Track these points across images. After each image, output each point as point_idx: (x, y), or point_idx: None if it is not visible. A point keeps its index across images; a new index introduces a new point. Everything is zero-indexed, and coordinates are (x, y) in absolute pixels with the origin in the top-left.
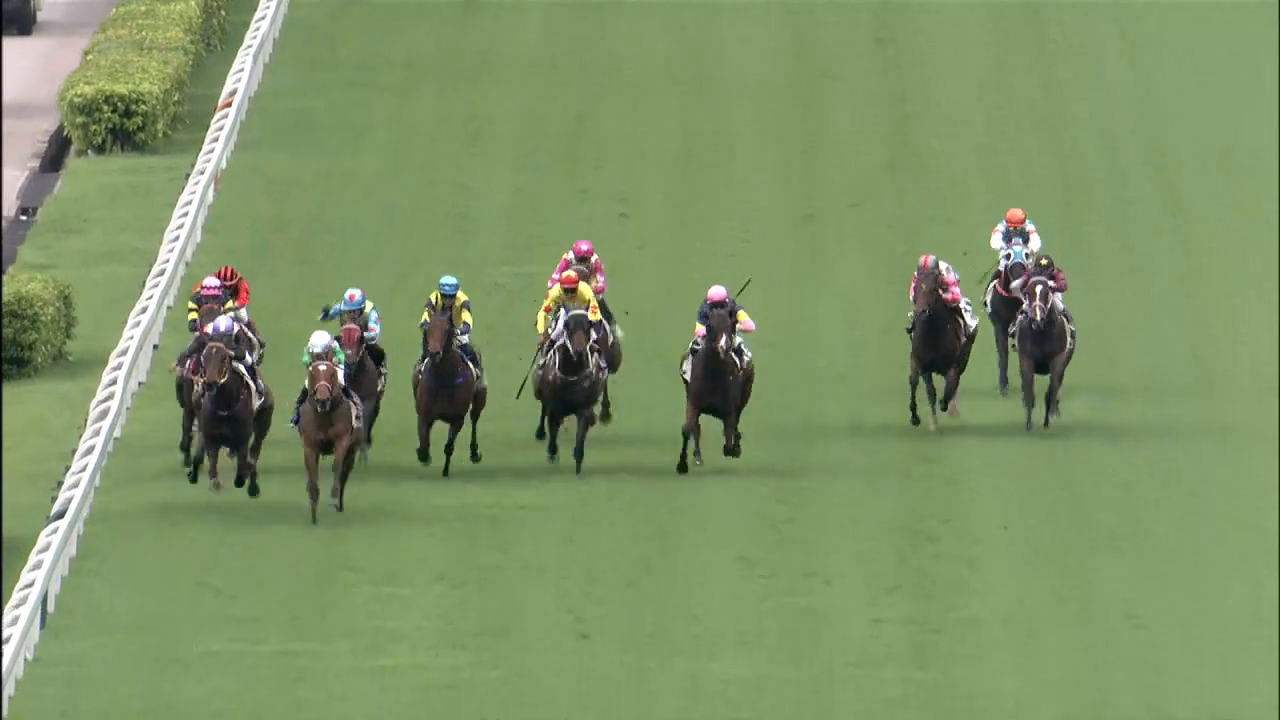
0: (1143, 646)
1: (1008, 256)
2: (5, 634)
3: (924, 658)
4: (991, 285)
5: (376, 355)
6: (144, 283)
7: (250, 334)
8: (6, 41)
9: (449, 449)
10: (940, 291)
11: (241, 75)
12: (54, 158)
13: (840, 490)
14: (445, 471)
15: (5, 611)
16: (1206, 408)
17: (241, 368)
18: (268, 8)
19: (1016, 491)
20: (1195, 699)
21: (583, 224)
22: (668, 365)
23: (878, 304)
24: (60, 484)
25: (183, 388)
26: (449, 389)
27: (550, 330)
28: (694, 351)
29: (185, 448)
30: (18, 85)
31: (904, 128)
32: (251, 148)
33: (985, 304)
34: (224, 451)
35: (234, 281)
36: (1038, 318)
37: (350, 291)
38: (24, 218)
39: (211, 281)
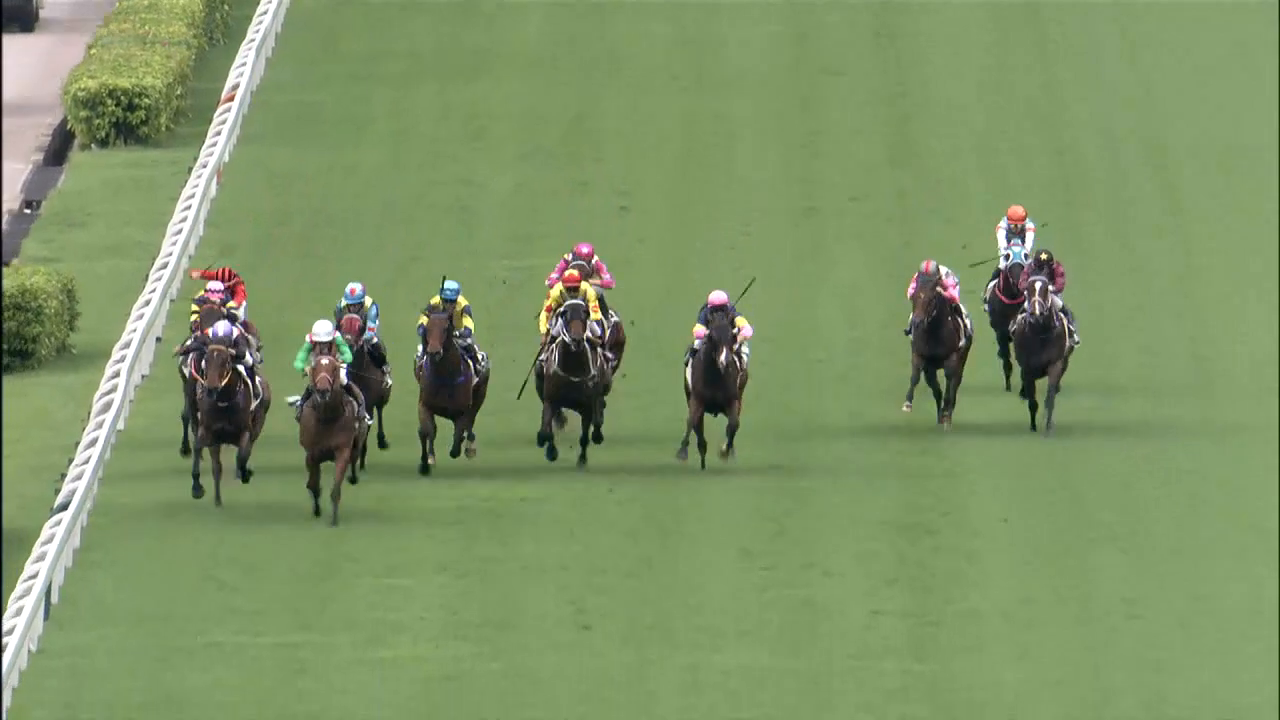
0: (1141, 639)
1: (1007, 257)
2: (8, 625)
3: (923, 650)
4: (991, 287)
5: (378, 359)
6: (147, 276)
7: (249, 336)
8: (9, 39)
9: (455, 452)
10: (940, 291)
11: (244, 69)
12: (58, 151)
13: (840, 484)
14: (453, 453)
15: (9, 603)
16: (1206, 407)
17: (241, 367)
18: (270, 2)
19: (1015, 486)
20: (1194, 692)
21: (583, 218)
22: (668, 361)
23: (877, 298)
24: (64, 476)
25: (186, 388)
26: (449, 387)
27: (553, 329)
28: (693, 353)
29: (187, 450)
30: (21, 82)
31: (903, 123)
32: (254, 141)
33: (984, 301)
34: (225, 456)
35: (232, 282)
36: (1037, 312)
37: (351, 285)
38: (28, 211)
39: (215, 285)
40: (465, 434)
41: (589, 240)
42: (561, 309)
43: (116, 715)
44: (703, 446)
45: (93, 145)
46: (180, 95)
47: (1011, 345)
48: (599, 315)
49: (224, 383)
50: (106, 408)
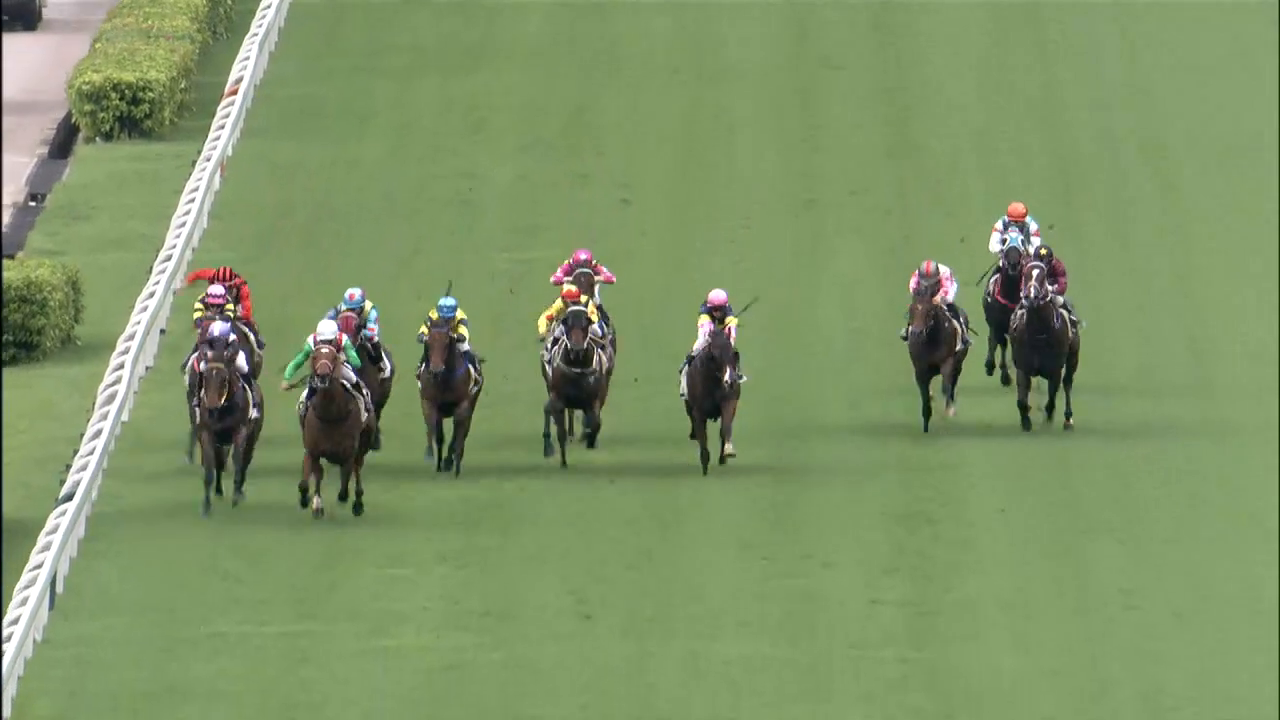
0: (1138, 629)
1: (1003, 241)
2: (14, 615)
3: (921, 639)
4: (991, 285)
5: (376, 356)
6: (151, 268)
7: (252, 336)
8: (13, 38)
9: (453, 446)
10: (934, 299)
11: (247, 63)
12: (62, 145)
13: (838, 475)
14: (453, 449)
15: (15, 593)
16: (1204, 404)
17: (243, 364)
18: None
19: (1013, 477)
20: (1190, 682)
21: (584, 211)
22: (668, 354)
23: (877, 291)
24: (68, 467)
25: (192, 390)
26: (448, 380)
27: (555, 332)
28: (689, 361)
29: (192, 454)
30: (25, 80)
31: (903, 117)
32: (257, 135)
33: (986, 296)
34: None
35: (234, 282)
36: (1031, 295)
37: (350, 290)
38: (33, 204)
39: (217, 290)
40: (456, 450)
41: (590, 233)
42: (565, 316)
43: (121, 705)
44: (705, 456)
45: (97, 139)
46: (184, 89)
47: (1010, 345)
48: (596, 317)
49: (223, 401)
50: (111, 399)
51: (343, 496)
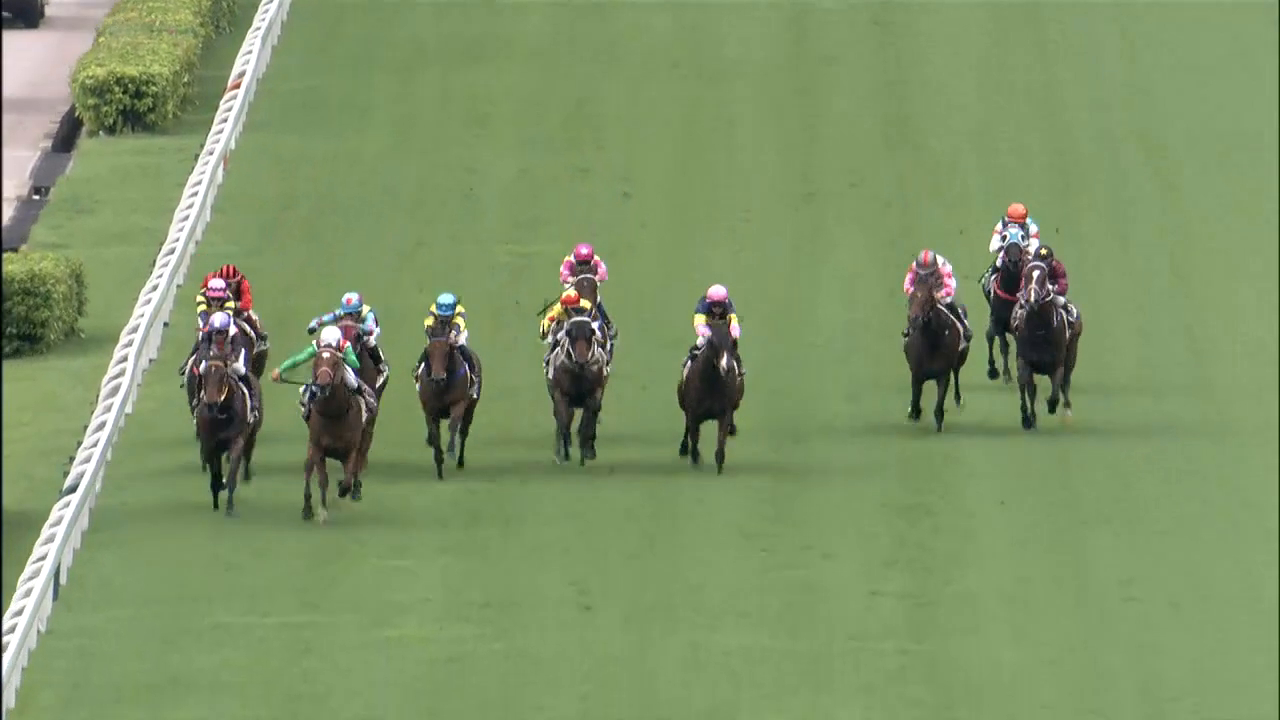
0: (1136, 620)
1: (1003, 238)
2: (17, 606)
3: (921, 630)
4: (990, 280)
5: (374, 357)
6: (154, 261)
7: (252, 331)
8: (15, 35)
9: (450, 446)
10: (934, 294)
11: (250, 57)
12: (66, 138)
13: (838, 467)
14: (450, 448)
15: (19, 584)
16: (1203, 403)
17: (240, 368)
18: None
19: (1012, 469)
20: (1188, 672)
21: (585, 204)
22: (668, 346)
23: (876, 282)
24: (72, 459)
25: (191, 387)
26: (448, 381)
27: (556, 335)
28: (692, 357)
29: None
30: (27, 76)
31: (901, 110)
32: (260, 128)
33: (986, 292)
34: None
35: (236, 279)
36: (1032, 299)
37: (347, 295)
38: (37, 197)
39: (217, 283)
40: (457, 445)
41: (590, 226)
42: (569, 327)
43: (124, 695)
44: (696, 455)
45: (101, 132)
46: (187, 83)
47: (1013, 341)
48: (596, 320)
49: (223, 398)
50: (114, 392)
51: (343, 492)
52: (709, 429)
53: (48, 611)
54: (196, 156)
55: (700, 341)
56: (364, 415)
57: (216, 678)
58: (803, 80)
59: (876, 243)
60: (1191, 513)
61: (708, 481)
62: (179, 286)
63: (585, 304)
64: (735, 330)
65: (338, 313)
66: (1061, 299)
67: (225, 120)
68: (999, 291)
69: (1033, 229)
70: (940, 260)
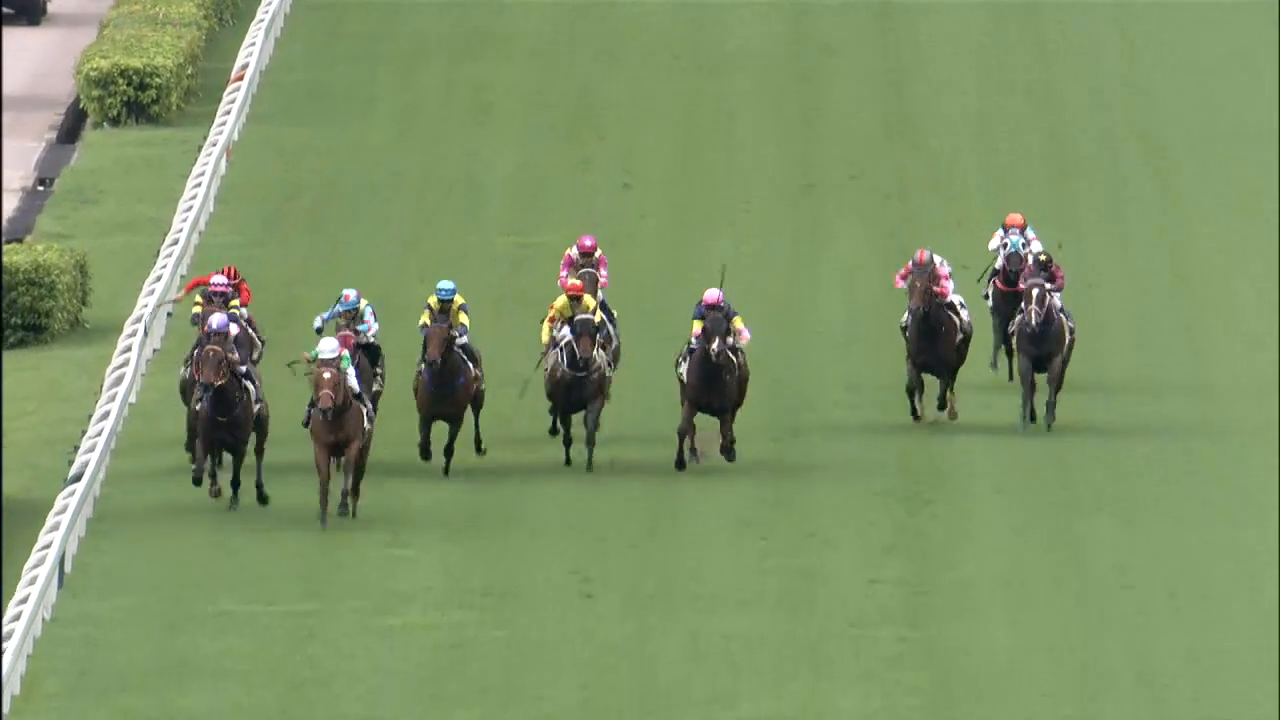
0: (1132, 606)
1: (1004, 245)
2: (23, 594)
3: (919, 617)
4: (991, 280)
5: (373, 355)
6: (158, 252)
7: (252, 331)
8: (18, 32)
9: (449, 451)
10: (933, 286)
11: (253, 49)
12: (70, 130)
13: (837, 455)
14: (445, 471)
15: (24, 572)
16: (1200, 399)
17: (240, 369)
18: None
19: (1011, 459)
20: (1183, 658)
21: (586, 194)
22: (668, 336)
23: (875, 273)
24: (77, 448)
25: (186, 391)
26: (449, 390)
27: (556, 334)
28: (690, 352)
29: (191, 448)
30: (29, 73)
31: (901, 102)
32: (263, 120)
33: (985, 297)
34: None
35: (236, 281)
36: (1033, 321)
37: (345, 291)
38: (41, 188)
39: (220, 279)
40: (474, 436)
41: (592, 217)
42: (572, 324)
43: (129, 682)
44: (694, 453)
45: (105, 124)
46: (191, 75)
47: (1012, 339)
48: (600, 317)
49: (220, 381)
50: (118, 381)
51: (348, 493)
52: (707, 427)
53: (53, 599)
54: (200, 148)
55: (694, 340)
56: (365, 424)
57: (220, 664)
58: (803, 73)
59: (876, 234)
60: (1188, 501)
61: (707, 470)
62: (183, 276)
63: (589, 300)
64: (746, 334)
65: (337, 309)
66: (1059, 301)
67: (229, 112)
68: (1000, 285)
69: (1031, 237)
70: (939, 260)
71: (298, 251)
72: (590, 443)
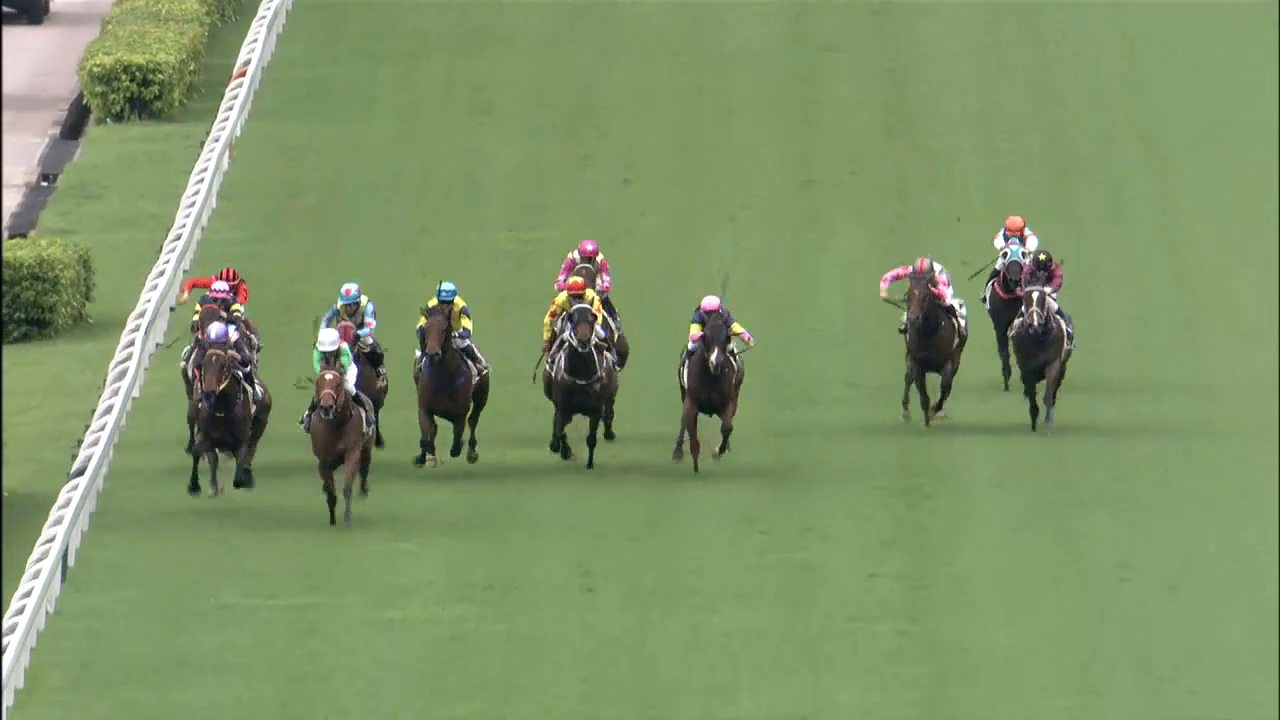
0: (1131, 601)
1: (1004, 255)
2: (26, 588)
3: (918, 611)
4: (990, 285)
5: (375, 358)
6: (161, 247)
7: (249, 332)
8: (20, 31)
9: (455, 450)
10: (930, 289)
11: (255, 45)
12: (74, 126)
13: (837, 449)
14: (454, 451)
15: (27, 566)
16: (1199, 397)
17: (239, 372)
18: None
19: (1010, 454)
20: (1181, 651)
21: (587, 191)
22: (669, 331)
23: (875, 269)
24: (80, 442)
25: (190, 385)
26: (449, 388)
27: (560, 333)
28: (689, 354)
29: (191, 449)
30: (31, 72)
31: (900, 98)
32: (265, 116)
33: (984, 300)
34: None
35: (235, 282)
36: (1034, 323)
37: (346, 286)
38: (45, 184)
39: (220, 285)
40: (469, 438)
41: (593, 213)
42: (569, 313)
43: (131, 675)
44: (695, 448)
45: (108, 120)
46: (193, 71)
47: (1011, 346)
48: (602, 315)
49: (221, 387)
50: (121, 375)
51: (346, 491)
52: (709, 431)
53: (56, 593)
54: (202, 144)
55: (692, 344)
56: (365, 427)
57: (222, 658)
58: (803, 69)
59: (875, 230)
60: (1187, 498)
61: (707, 465)
62: (185, 272)
63: (590, 294)
64: (747, 335)
65: (337, 306)
66: (1055, 304)
67: (231, 108)
68: (999, 291)
69: (1030, 239)
70: (938, 268)
71: (300, 248)
72: (591, 444)
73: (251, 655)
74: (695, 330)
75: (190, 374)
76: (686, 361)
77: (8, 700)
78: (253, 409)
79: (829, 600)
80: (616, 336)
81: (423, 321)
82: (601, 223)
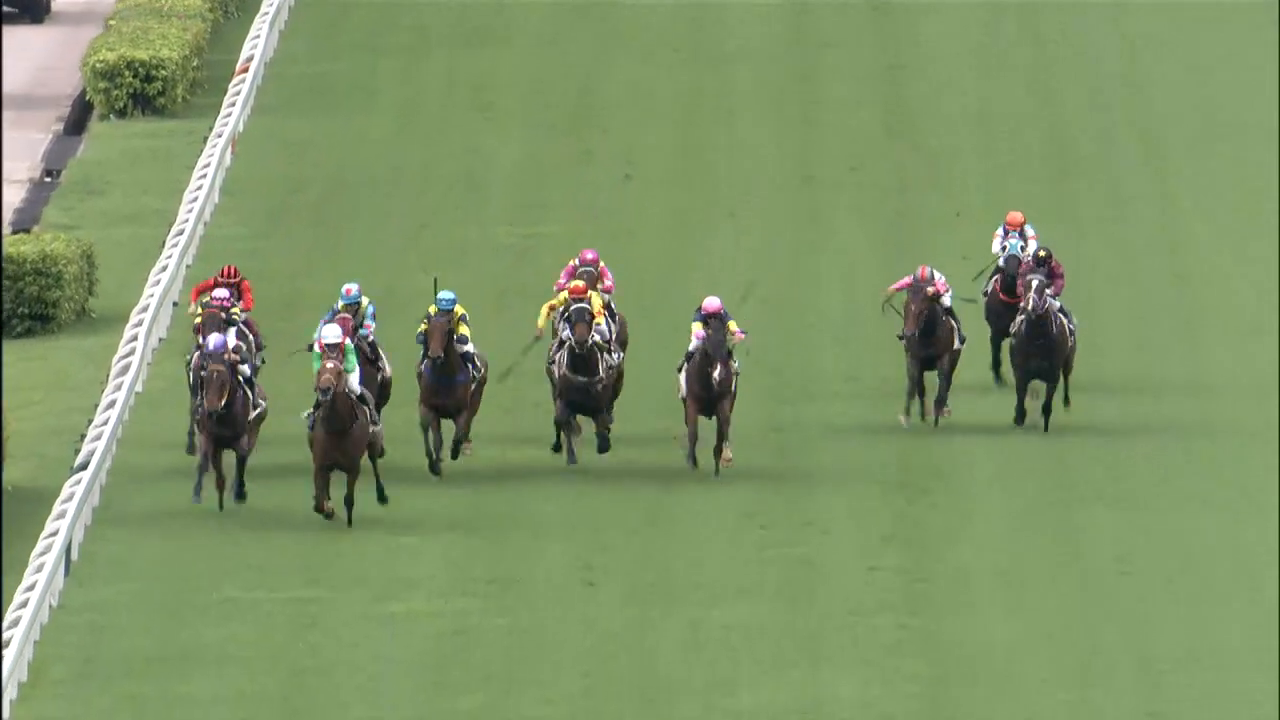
0: (1130, 595)
1: (1003, 248)
2: (30, 581)
3: (917, 605)
4: (990, 284)
5: (373, 356)
6: (164, 242)
7: (251, 335)
8: (22, 30)
9: (454, 453)
10: (927, 290)
11: (258, 42)
12: (77, 121)
13: (836, 445)
14: (454, 455)
15: (31, 559)
16: (1198, 395)
17: (240, 376)
18: None
19: (1009, 449)
20: (1180, 645)
21: (588, 187)
22: (669, 328)
23: (874, 265)
24: (83, 436)
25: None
26: (449, 385)
27: (560, 332)
28: (688, 358)
29: (192, 450)
30: (33, 71)
31: (899, 96)
32: (267, 112)
33: (984, 294)
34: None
35: (236, 280)
36: (1030, 307)
37: (347, 286)
38: (48, 180)
39: (221, 293)
40: (463, 436)
41: (594, 210)
42: (567, 313)
43: (134, 668)
44: (693, 439)
45: (111, 116)
46: (196, 67)
47: (1008, 348)
48: (602, 318)
49: (223, 403)
50: (125, 370)
51: (349, 503)
52: (708, 432)
53: (59, 586)
54: (205, 139)
55: (694, 345)
56: (369, 429)
57: (224, 651)
58: (802, 66)
59: (875, 227)
60: (1186, 493)
61: (707, 460)
62: (188, 267)
63: (596, 302)
64: (740, 334)
65: (337, 306)
66: (1057, 303)
67: (233, 104)
68: (1000, 293)
69: (1030, 234)
70: (939, 277)
71: (301, 243)
72: (601, 439)
73: (254, 648)
74: (697, 328)
75: (193, 380)
76: (685, 366)
77: (11, 694)
78: (252, 412)
79: (829, 595)
80: (616, 333)
81: (424, 326)
82: (602, 219)
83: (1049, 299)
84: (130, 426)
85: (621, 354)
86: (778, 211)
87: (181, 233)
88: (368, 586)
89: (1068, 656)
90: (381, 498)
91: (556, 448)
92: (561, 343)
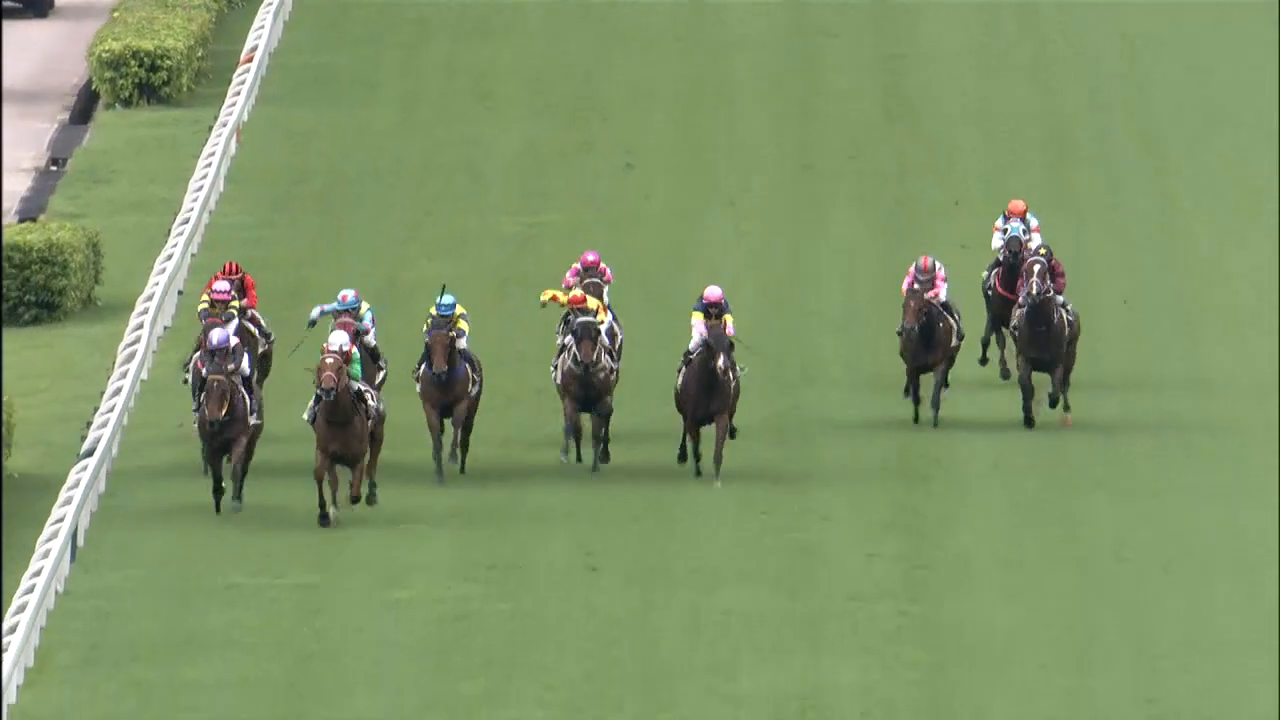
0: (1128, 582)
1: (1004, 233)
2: (36, 568)
3: (916, 592)
4: (991, 276)
5: (373, 354)
6: (169, 231)
7: (256, 331)
8: (25, 25)
9: (453, 456)
10: (925, 291)
11: (262, 32)
12: (83, 111)
13: (837, 432)
14: (461, 469)
15: (37, 546)
16: (1196, 390)
17: (244, 369)
18: None
19: (1008, 439)
20: (1177, 631)
21: (589, 176)
22: (670, 315)
23: (873, 253)
24: (89, 424)
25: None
26: (449, 382)
27: (558, 330)
28: (687, 360)
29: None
30: (36, 67)
31: (899, 84)
32: (272, 101)
33: (986, 291)
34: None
35: (239, 276)
36: (1033, 292)
37: (344, 292)
38: (54, 169)
39: (222, 285)
40: (459, 438)
41: (594, 199)
42: (574, 328)
43: (140, 654)
44: (697, 458)
45: (117, 105)
46: (201, 57)
47: (1010, 338)
48: (604, 318)
49: (224, 413)
50: (130, 358)
51: (354, 500)
52: (708, 433)
53: (65, 573)
54: (210, 128)
55: (695, 344)
56: (369, 423)
57: (229, 636)
58: (802, 55)
59: (874, 214)
60: (1183, 481)
61: (708, 448)
62: (193, 255)
63: (592, 303)
64: (730, 329)
65: (335, 307)
66: (1060, 297)
67: (238, 93)
68: (999, 289)
69: (1033, 224)
70: (938, 266)
71: (306, 233)
72: (600, 441)
73: (259, 634)
74: (698, 318)
75: (194, 381)
76: (683, 368)
77: (18, 680)
78: (251, 419)
79: (829, 581)
80: (619, 339)
81: (427, 325)
82: (603, 207)
83: (1050, 287)
84: (136, 414)
85: (617, 364)
86: (778, 200)
87: (187, 221)
88: (371, 572)
89: (1066, 643)
90: (371, 498)
91: (566, 449)
92: (563, 348)
